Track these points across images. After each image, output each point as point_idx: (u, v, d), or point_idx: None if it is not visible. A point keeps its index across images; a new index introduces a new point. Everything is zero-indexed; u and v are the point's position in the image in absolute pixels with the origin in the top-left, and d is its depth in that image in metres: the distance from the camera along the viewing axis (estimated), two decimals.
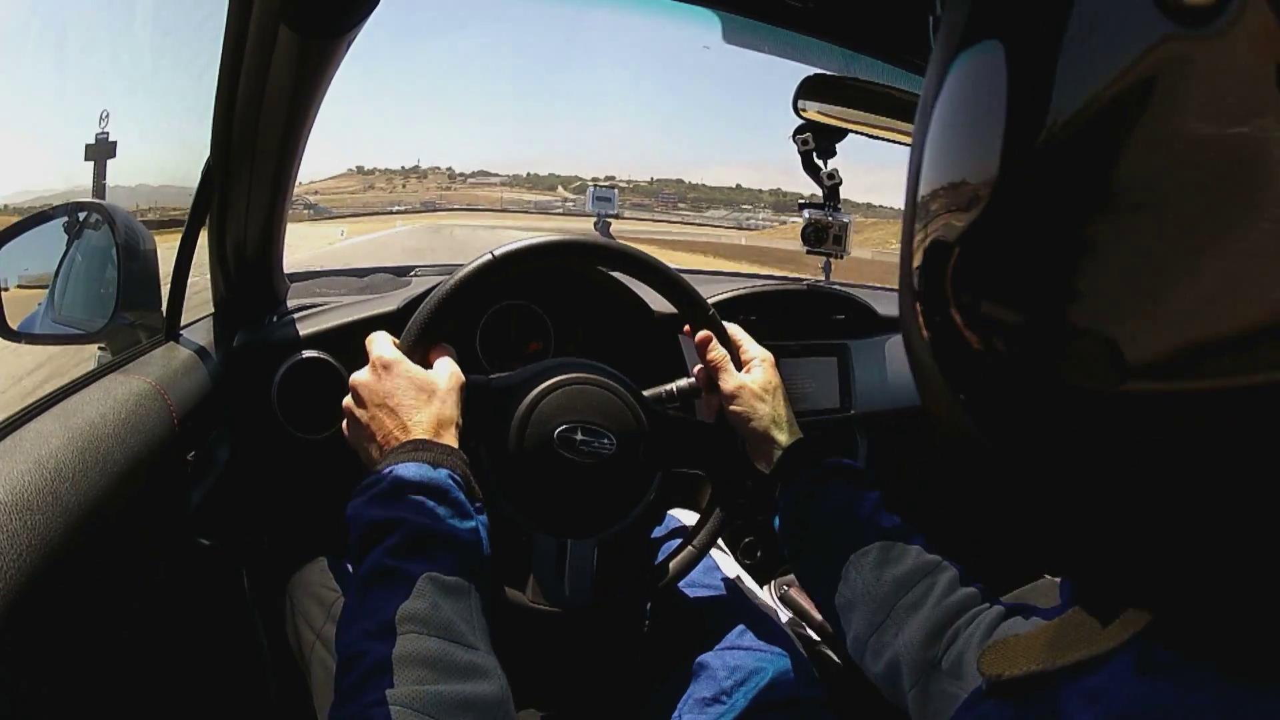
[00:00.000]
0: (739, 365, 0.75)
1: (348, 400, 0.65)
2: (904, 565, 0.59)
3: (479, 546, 0.55)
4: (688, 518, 0.99)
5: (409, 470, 0.55)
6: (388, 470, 0.55)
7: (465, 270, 0.69)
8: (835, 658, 0.95)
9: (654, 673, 0.81)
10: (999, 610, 0.54)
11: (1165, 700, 0.27)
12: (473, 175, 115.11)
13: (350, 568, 0.55)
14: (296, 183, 0.82)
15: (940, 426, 0.28)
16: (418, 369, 0.64)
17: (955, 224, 0.23)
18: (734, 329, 0.78)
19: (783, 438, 0.71)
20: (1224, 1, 0.17)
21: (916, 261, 0.26)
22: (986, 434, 0.25)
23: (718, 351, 0.75)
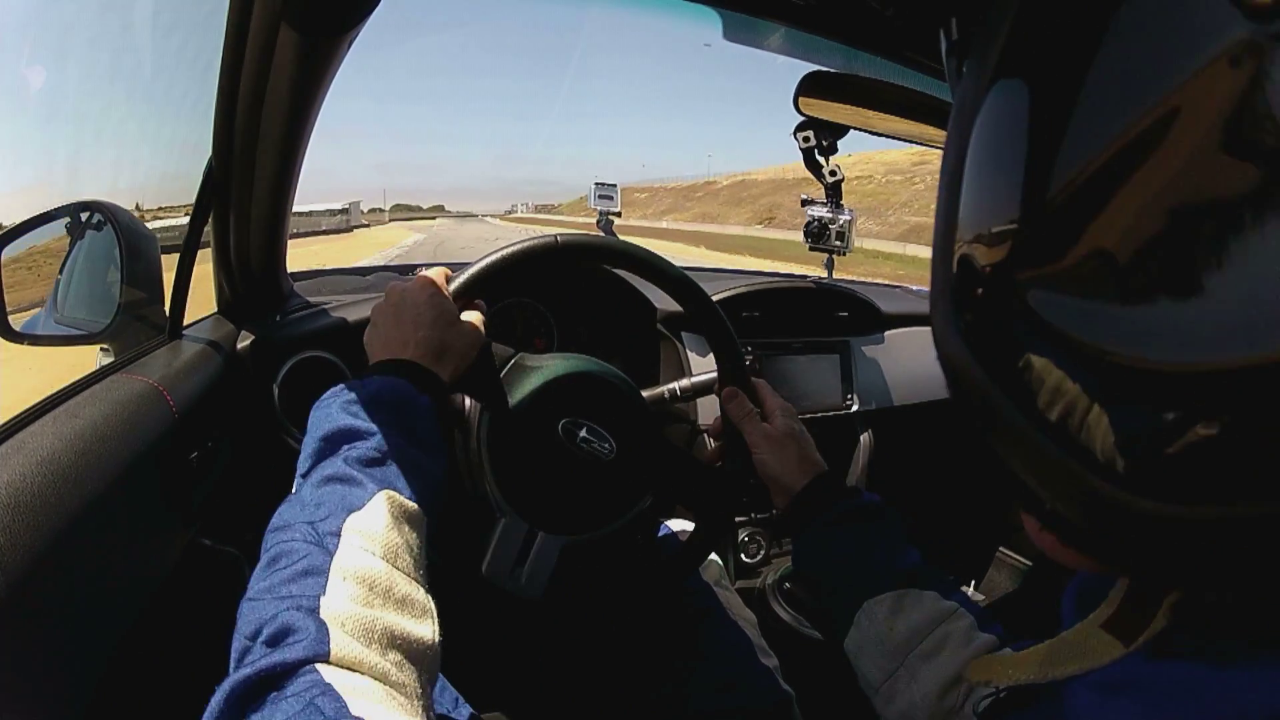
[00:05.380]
0: (762, 416, 0.74)
1: (379, 301, 0.63)
2: (918, 613, 0.57)
3: (440, 483, 0.53)
4: (683, 529, 0.99)
5: (390, 386, 0.53)
6: (371, 379, 0.54)
7: (528, 243, 0.69)
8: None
9: (617, 677, 0.82)
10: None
11: (1198, 678, 0.27)
12: None
13: (300, 466, 0.50)
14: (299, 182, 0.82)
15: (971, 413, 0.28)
16: (451, 304, 0.63)
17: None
18: (759, 384, 0.77)
19: (801, 483, 0.69)
20: None
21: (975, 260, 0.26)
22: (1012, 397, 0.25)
23: (743, 406, 0.74)
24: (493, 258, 0.68)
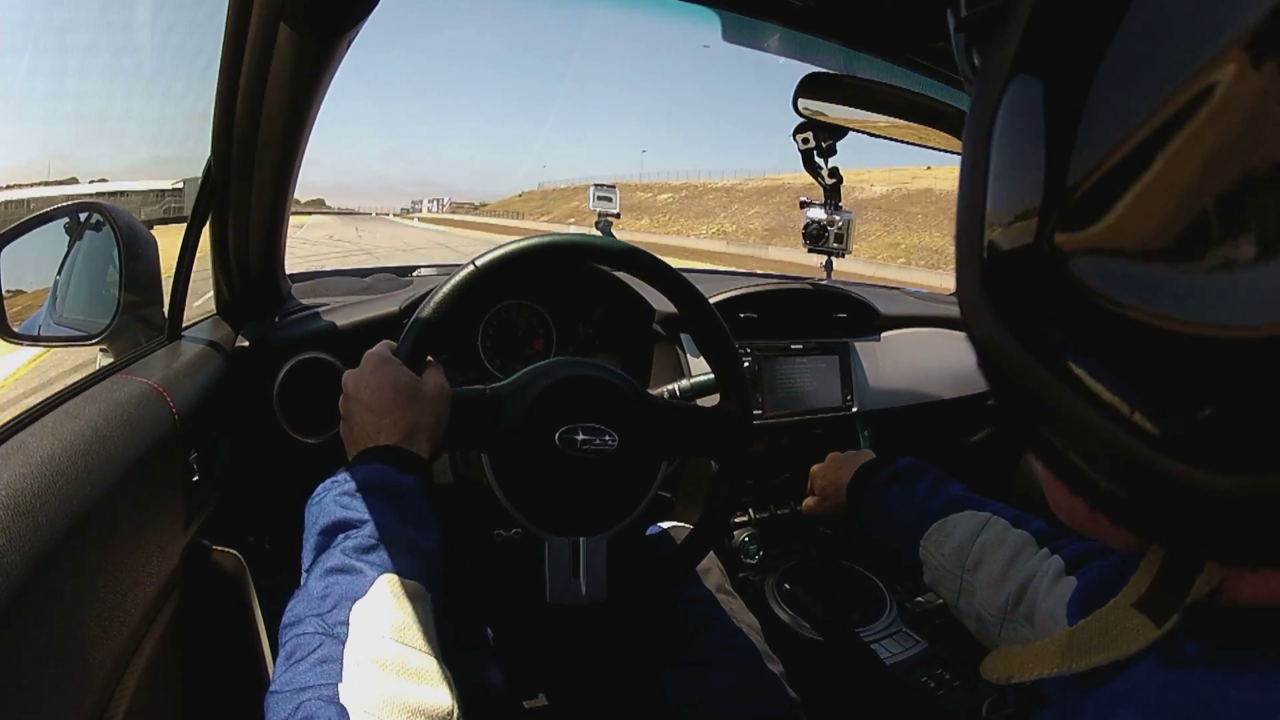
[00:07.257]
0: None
1: (342, 396, 0.65)
2: (959, 535, 0.67)
3: (437, 555, 0.56)
4: (678, 533, 0.99)
5: (375, 473, 0.56)
6: (355, 470, 0.56)
7: (451, 283, 0.70)
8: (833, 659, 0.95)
9: (623, 687, 0.83)
10: (1060, 564, 0.58)
11: (1207, 691, 0.27)
12: None
13: (304, 561, 0.53)
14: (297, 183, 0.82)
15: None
16: (407, 373, 0.64)
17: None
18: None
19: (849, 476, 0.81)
20: None
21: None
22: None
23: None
24: (424, 312, 0.69)
